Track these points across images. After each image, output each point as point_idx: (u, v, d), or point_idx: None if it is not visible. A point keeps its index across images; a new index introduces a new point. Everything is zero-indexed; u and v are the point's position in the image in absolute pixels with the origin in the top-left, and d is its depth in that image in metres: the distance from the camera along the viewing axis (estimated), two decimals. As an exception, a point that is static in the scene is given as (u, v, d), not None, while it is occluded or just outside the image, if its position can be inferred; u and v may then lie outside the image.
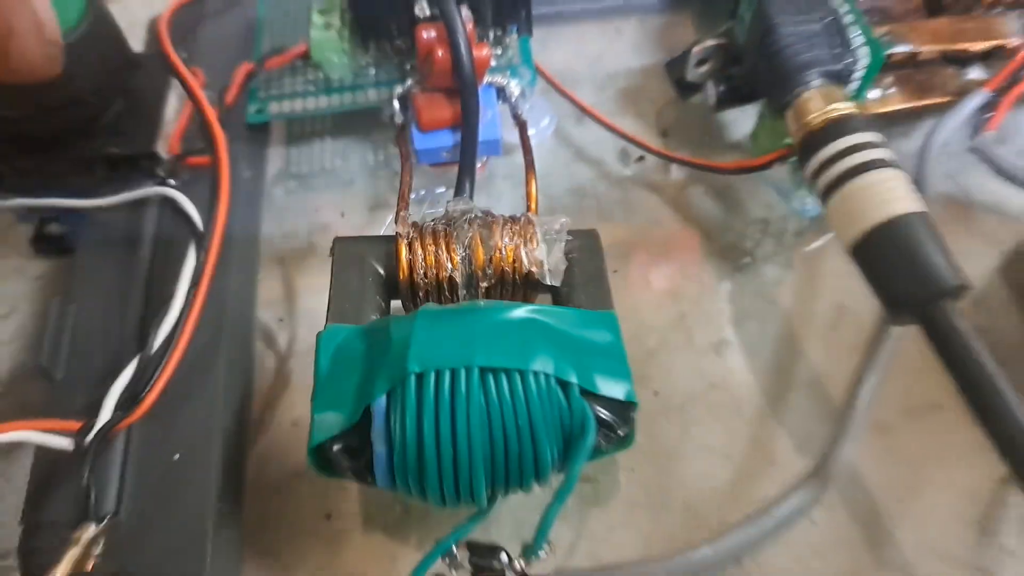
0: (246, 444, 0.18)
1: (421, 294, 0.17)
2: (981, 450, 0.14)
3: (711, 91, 0.20)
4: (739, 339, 0.20)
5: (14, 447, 0.18)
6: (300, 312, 0.21)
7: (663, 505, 0.18)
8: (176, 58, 0.19)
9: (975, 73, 0.22)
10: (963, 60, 0.21)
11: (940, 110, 0.21)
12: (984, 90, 0.20)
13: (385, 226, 0.22)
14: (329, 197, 0.23)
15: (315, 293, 0.21)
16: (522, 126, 0.20)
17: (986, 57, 0.21)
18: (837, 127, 0.16)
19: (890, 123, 0.23)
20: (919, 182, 0.19)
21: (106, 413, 0.15)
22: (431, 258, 0.17)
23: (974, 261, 0.21)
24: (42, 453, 0.16)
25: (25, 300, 0.21)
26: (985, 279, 0.20)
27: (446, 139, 0.20)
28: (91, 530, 0.14)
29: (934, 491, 0.18)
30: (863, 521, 0.17)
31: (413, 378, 0.13)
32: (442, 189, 0.22)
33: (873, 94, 0.21)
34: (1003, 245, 0.20)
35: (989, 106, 0.21)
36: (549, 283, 0.17)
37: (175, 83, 0.21)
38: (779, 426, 0.19)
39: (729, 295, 0.21)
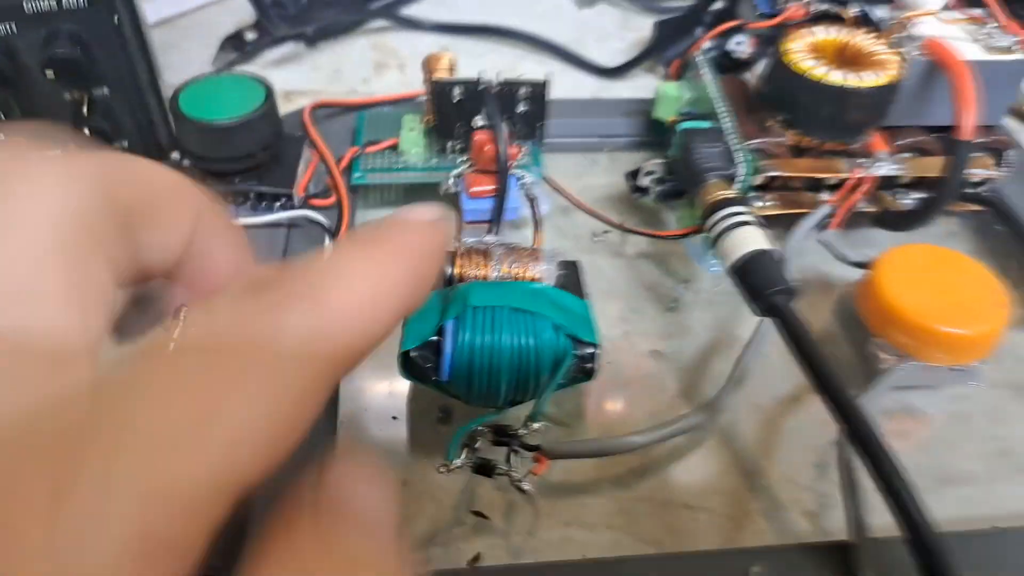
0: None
1: (466, 286, 0.26)
2: (822, 420, 0.23)
3: (653, 191, 0.31)
4: (667, 349, 0.29)
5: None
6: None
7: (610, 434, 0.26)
8: (317, 136, 0.30)
9: (826, 195, 0.32)
10: (817, 185, 0.32)
11: (803, 215, 0.32)
12: (828, 204, 0.31)
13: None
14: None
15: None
16: (532, 201, 0.30)
17: (831, 189, 0.32)
18: (724, 201, 0.26)
19: (772, 224, 0.33)
20: (787, 258, 0.30)
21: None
22: (475, 263, 0.26)
23: (821, 309, 0.31)
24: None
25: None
26: (826, 320, 0.30)
27: (486, 204, 0.30)
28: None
29: (789, 445, 0.26)
30: (742, 458, 0.26)
31: (471, 309, 0.22)
32: (473, 240, 0.32)
33: (760, 203, 0.32)
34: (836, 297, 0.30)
35: (833, 214, 0.31)
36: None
37: (304, 152, 0.31)
38: (688, 400, 0.28)
39: (663, 325, 0.30)
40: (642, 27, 0.48)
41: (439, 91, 0.29)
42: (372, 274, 0.12)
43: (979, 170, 0.32)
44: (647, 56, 0.42)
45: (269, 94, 0.29)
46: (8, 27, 0.27)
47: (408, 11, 0.46)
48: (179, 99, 0.28)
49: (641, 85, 0.43)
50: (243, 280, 0.11)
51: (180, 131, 0.28)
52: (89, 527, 0.08)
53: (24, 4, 0.27)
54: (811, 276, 0.32)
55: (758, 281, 0.24)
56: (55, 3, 0.27)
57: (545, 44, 0.44)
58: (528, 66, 0.44)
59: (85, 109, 0.29)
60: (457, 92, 0.29)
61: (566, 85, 0.43)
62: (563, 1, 0.50)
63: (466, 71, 0.43)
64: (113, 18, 0.28)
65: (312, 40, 0.43)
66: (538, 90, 0.30)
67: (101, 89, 0.29)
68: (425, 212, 0.14)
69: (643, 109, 0.37)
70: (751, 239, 0.25)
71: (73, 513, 0.08)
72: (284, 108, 0.39)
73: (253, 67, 0.42)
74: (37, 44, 0.27)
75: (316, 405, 0.10)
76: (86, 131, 0.30)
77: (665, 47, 0.42)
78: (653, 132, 0.36)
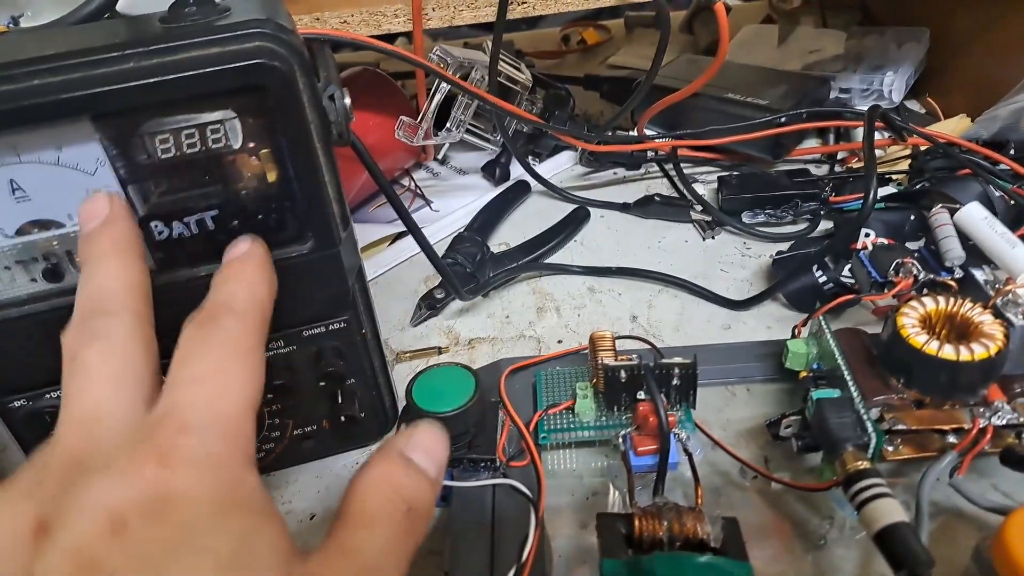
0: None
1: (644, 545, 0.31)
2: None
3: (794, 443, 0.36)
4: (818, 588, 0.33)
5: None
6: (559, 542, 0.35)
7: None
8: (511, 408, 0.37)
9: (951, 438, 0.36)
10: (942, 432, 0.36)
11: (932, 459, 0.35)
12: (955, 451, 0.35)
13: (611, 503, 0.37)
14: (571, 485, 0.38)
15: (560, 525, 0.35)
16: (690, 456, 0.36)
17: (955, 432, 0.36)
18: (860, 473, 0.30)
19: (905, 465, 0.37)
20: (919, 499, 0.33)
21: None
22: (650, 527, 0.31)
23: (962, 547, 0.33)
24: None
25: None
26: (966, 560, 0.33)
27: (650, 460, 0.35)
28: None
29: None
30: None
31: (659, 585, 0.28)
32: (640, 488, 0.37)
33: (891, 448, 0.36)
34: (975, 540, 0.33)
35: (960, 461, 0.35)
36: (713, 545, 0.31)
37: (499, 414, 0.38)
38: (846, 643, 0.31)
39: (813, 563, 0.34)
40: (760, 253, 0.54)
41: (608, 373, 0.36)
42: None
43: (1100, 412, 0.35)
44: (770, 292, 0.48)
45: (478, 383, 0.36)
46: (290, 348, 0.36)
47: (555, 259, 0.55)
48: (412, 391, 0.36)
49: (766, 313, 0.49)
50: None
51: (411, 415, 0.36)
52: None
53: (302, 332, 0.36)
54: (950, 510, 0.35)
55: (897, 552, 0.28)
56: (323, 328, 0.36)
57: (676, 281, 0.51)
58: (663, 299, 0.51)
59: (340, 398, 0.38)
60: (623, 374, 0.36)
61: (700, 316, 0.49)
62: (687, 234, 0.57)
63: (612, 307, 0.50)
64: (362, 331, 0.37)
65: (486, 292, 0.51)
66: (688, 369, 0.36)
67: (350, 381, 0.38)
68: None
69: (774, 351, 0.42)
70: (888, 511, 0.29)
71: None
72: (469, 355, 0.48)
73: (441, 318, 0.51)
74: (309, 359, 0.36)
75: None
76: (341, 417, 0.38)
77: (785, 282, 0.48)
78: (785, 374, 0.41)
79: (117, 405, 0.22)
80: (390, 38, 0.45)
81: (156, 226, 0.30)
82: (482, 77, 0.54)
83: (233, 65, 0.27)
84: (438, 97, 0.52)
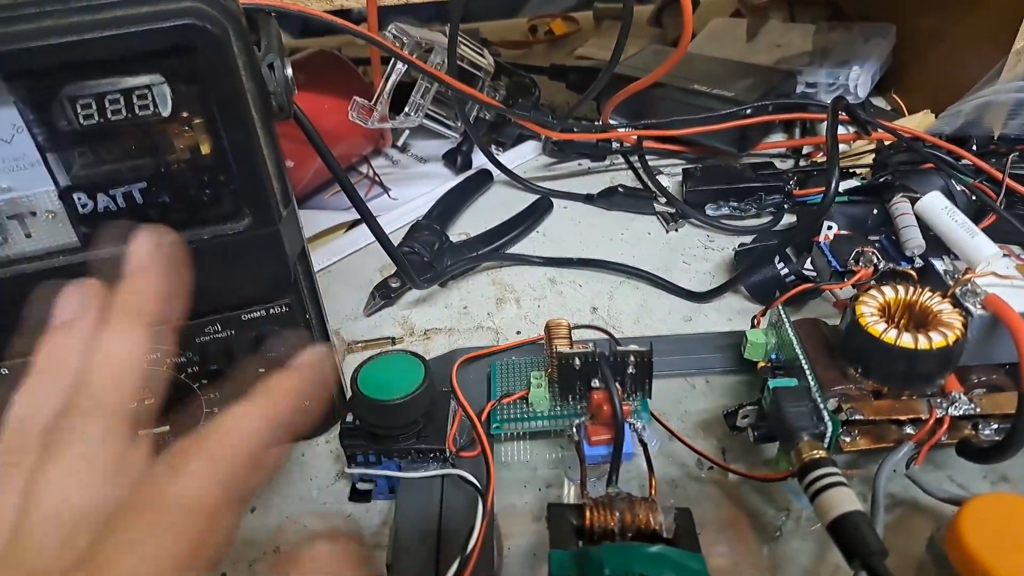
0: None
1: (596, 537, 0.30)
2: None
3: (751, 433, 0.35)
4: (774, 581, 0.32)
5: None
6: (512, 536, 0.34)
7: None
8: (463, 397, 0.36)
9: (909, 428, 0.36)
10: (900, 423, 0.35)
11: (889, 449, 0.35)
12: (911, 442, 0.34)
13: (566, 496, 0.36)
14: (524, 477, 0.37)
15: (513, 518, 0.34)
16: (644, 446, 0.35)
17: (912, 423, 0.35)
18: (815, 462, 0.30)
19: (862, 456, 0.37)
20: (875, 490, 0.33)
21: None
22: (601, 517, 0.31)
23: (917, 537, 0.33)
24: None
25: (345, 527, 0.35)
26: (921, 551, 0.33)
27: (603, 451, 0.35)
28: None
29: None
30: None
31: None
32: (594, 479, 0.36)
33: (848, 439, 0.35)
34: (930, 531, 0.33)
35: (916, 452, 0.34)
36: (665, 536, 0.30)
37: (451, 404, 0.37)
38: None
39: (768, 555, 0.34)
40: (724, 246, 0.54)
41: (562, 361, 0.35)
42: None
43: (1054, 403, 0.35)
44: (731, 284, 0.47)
45: (427, 371, 0.35)
46: (228, 332, 0.34)
47: (516, 249, 0.54)
48: (358, 380, 0.34)
49: (727, 305, 0.48)
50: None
51: (357, 404, 0.34)
52: None
53: (241, 315, 0.34)
54: (906, 501, 0.35)
55: (851, 542, 0.27)
56: (264, 312, 0.35)
57: (637, 272, 0.50)
58: (625, 290, 0.50)
59: (282, 386, 0.36)
60: (577, 361, 0.35)
61: (661, 308, 0.49)
62: (651, 226, 0.56)
63: (572, 299, 0.49)
64: (306, 315, 0.36)
65: (443, 282, 0.50)
66: (644, 356, 0.35)
67: (294, 368, 0.36)
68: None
69: (734, 343, 0.41)
70: (841, 500, 0.28)
71: None
72: (424, 346, 0.46)
73: (396, 308, 0.50)
74: (248, 344, 0.35)
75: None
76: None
77: (747, 273, 0.47)
78: (744, 365, 0.40)
79: None
80: (346, 14, 0.44)
81: (80, 198, 0.29)
82: (442, 61, 0.53)
83: (160, 25, 0.26)
84: (394, 78, 0.50)
